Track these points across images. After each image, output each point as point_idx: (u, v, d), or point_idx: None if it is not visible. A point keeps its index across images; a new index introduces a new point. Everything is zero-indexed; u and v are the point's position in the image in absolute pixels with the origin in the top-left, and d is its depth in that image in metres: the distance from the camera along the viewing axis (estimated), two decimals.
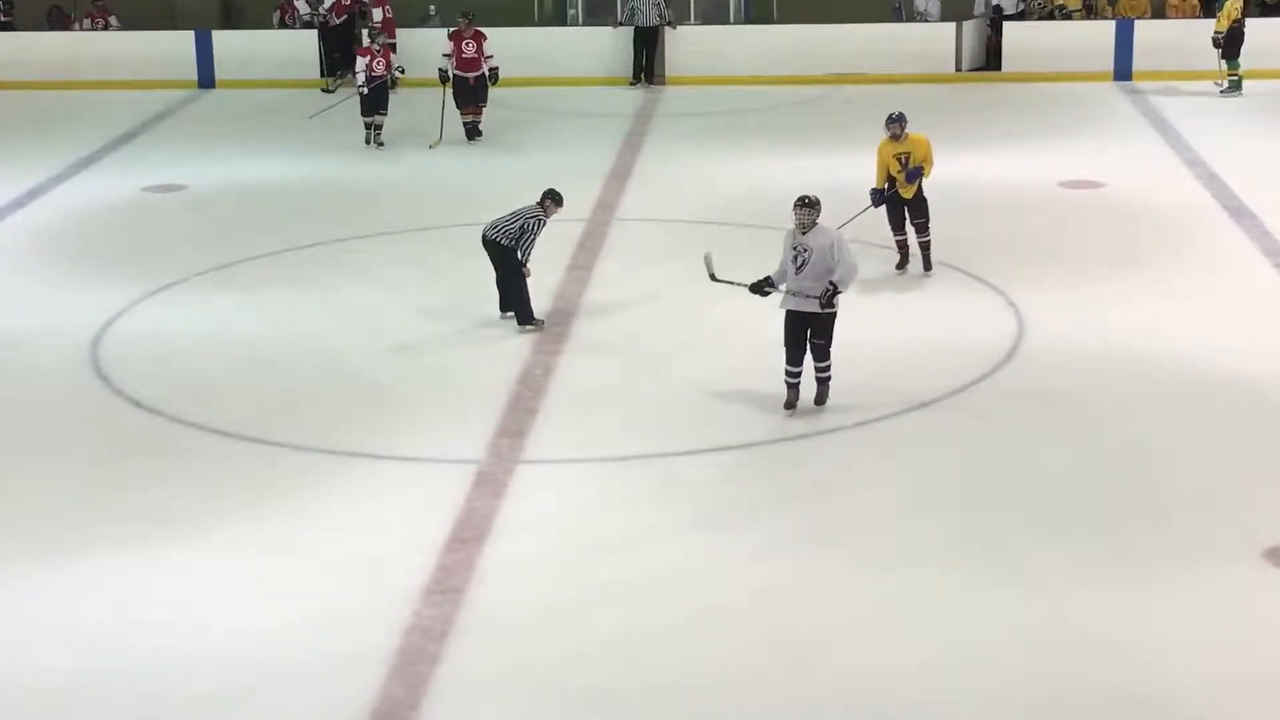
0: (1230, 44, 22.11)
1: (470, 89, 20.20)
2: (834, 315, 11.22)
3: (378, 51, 20.15)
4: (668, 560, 9.42)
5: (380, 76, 19.90)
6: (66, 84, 23.78)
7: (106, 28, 25.31)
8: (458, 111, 20.11)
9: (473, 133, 20.23)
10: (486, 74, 20.20)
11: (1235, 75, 22.08)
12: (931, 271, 14.39)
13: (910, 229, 14.43)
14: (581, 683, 8.20)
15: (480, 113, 20.27)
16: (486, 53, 20.09)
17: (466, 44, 20.03)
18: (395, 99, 20.44)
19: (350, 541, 9.79)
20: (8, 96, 23.46)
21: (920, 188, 14.29)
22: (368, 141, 20.02)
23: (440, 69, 20.10)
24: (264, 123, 21.75)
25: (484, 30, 20.11)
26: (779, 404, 11.54)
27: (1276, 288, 14.21)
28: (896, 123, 14.19)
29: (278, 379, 12.39)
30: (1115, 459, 10.70)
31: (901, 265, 14.54)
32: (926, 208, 14.34)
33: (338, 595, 9.09)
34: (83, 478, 10.69)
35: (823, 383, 11.38)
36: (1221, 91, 22.15)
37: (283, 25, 25.46)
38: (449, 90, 20.09)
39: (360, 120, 20.12)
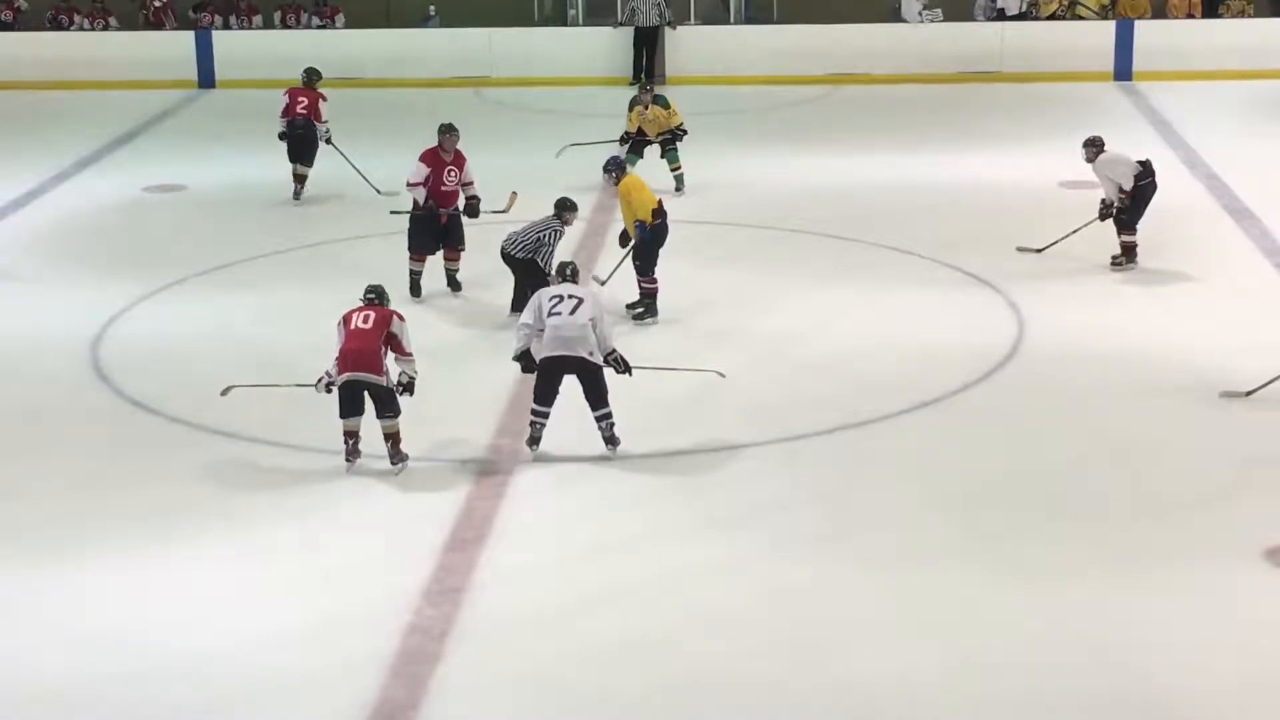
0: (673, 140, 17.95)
1: (439, 230, 13.92)
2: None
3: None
4: (669, 561, 9.43)
5: (304, 116, 16.82)
6: (66, 84, 23.75)
7: (106, 28, 25.30)
8: (408, 255, 13.95)
9: (434, 284, 14.01)
10: (463, 209, 14.07)
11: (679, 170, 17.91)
12: (649, 321, 13.36)
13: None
14: (582, 684, 8.20)
15: (457, 258, 14.07)
16: (466, 177, 14.03)
17: (450, 172, 13.90)
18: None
19: (351, 542, 9.79)
20: (8, 96, 23.44)
21: (642, 232, 13.23)
22: (296, 196, 17.12)
23: (415, 200, 13.85)
24: (264, 123, 21.65)
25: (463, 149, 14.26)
26: (779, 403, 11.55)
27: (1276, 288, 14.21)
28: (608, 173, 13.43)
29: (278, 379, 12.38)
30: (1115, 459, 10.71)
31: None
32: (643, 252, 13.30)
33: (338, 596, 9.09)
34: (82, 478, 10.68)
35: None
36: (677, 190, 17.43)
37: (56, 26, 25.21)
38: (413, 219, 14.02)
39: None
